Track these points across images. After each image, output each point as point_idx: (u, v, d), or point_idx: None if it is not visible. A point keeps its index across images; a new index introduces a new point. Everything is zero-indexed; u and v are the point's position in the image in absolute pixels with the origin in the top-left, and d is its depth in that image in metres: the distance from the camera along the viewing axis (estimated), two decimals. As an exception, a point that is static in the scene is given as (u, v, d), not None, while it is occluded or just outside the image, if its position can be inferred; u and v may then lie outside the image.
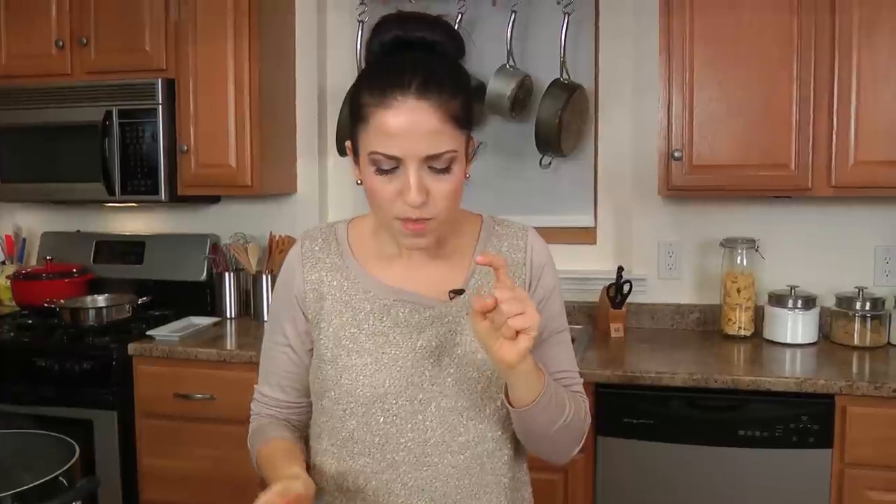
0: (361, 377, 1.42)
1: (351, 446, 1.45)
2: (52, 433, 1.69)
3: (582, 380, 1.55)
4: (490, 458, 1.46)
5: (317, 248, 1.52)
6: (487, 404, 1.44)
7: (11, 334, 3.30)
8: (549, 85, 3.21)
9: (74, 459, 1.56)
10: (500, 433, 1.47)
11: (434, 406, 1.42)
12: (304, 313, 1.51)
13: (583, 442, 1.50)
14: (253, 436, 1.58)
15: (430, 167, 1.31)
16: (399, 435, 1.42)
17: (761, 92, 2.82)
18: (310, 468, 1.49)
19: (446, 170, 1.32)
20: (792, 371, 2.72)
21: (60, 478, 1.50)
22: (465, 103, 1.35)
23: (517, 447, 1.52)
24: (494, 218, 1.57)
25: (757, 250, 3.14)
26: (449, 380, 1.43)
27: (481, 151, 3.38)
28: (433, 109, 1.29)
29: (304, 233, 1.57)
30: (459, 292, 1.45)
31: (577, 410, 1.44)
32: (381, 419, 1.42)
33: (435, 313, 1.44)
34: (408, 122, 1.28)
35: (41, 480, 1.46)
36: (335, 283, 1.48)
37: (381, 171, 1.32)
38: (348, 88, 3.36)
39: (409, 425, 1.42)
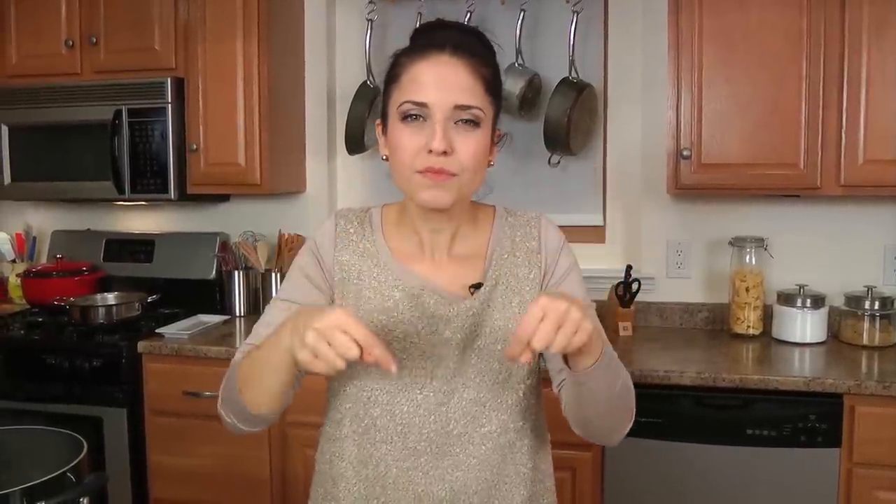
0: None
1: (373, 433, 1.47)
2: (61, 430, 1.70)
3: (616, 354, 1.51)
4: (511, 448, 1.49)
5: (351, 229, 1.53)
6: (509, 395, 1.47)
7: (22, 332, 3.31)
8: (558, 83, 3.21)
9: (82, 455, 1.57)
10: (521, 424, 1.49)
11: (457, 397, 1.45)
12: (329, 286, 1.51)
13: (632, 422, 1.47)
14: (231, 369, 1.46)
15: (456, 123, 1.35)
16: (422, 425, 1.45)
17: (770, 90, 2.82)
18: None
19: (473, 128, 1.36)
20: (800, 370, 2.71)
21: (68, 473, 1.51)
22: (495, 76, 1.42)
23: (539, 437, 1.54)
24: (507, 209, 1.59)
25: (766, 249, 3.14)
26: (471, 371, 1.45)
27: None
28: (465, 66, 1.37)
29: (339, 210, 1.58)
30: (478, 286, 1.48)
31: (627, 379, 1.43)
32: (405, 408, 1.45)
33: (458, 307, 1.45)
34: (440, 72, 1.36)
35: (49, 476, 1.48)
36: (365, 268, 1.50)
37: (408, 123, 1.37)
38: (358, 86, 3.42)
39: (433, 416, 1.45)
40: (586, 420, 1.44)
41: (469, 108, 1.36)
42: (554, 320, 1.16)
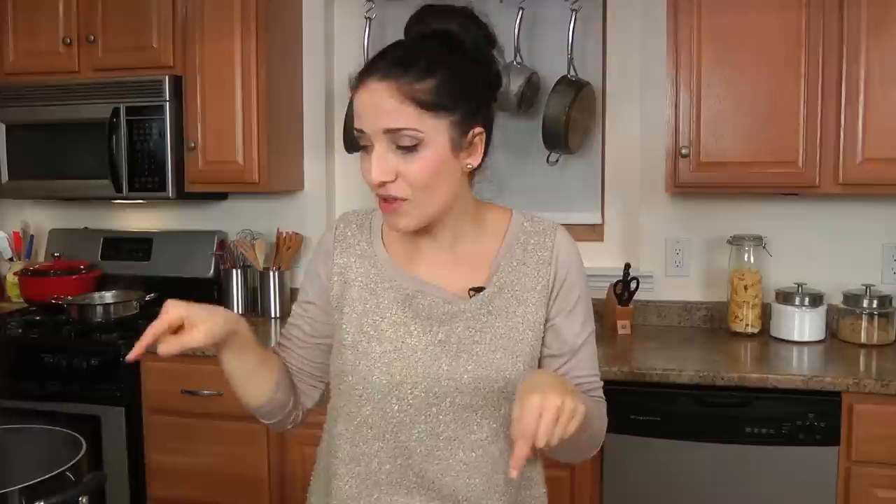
0: (379, 364, 1.43)
1: (365, 431, 1.46)
2: (60, 428, 1.69)
3: (602, 383, 1.55)
4: (502, 457, 1.46)
5: (349, 233, 1.55)
6: (503, 405, 1.44)
7: (19, 331, 3.31)
8: (557, 82, 3.21)
9: (81, 454, 1.56)
10: None
11: (449, 401, 1.42)
12: (328, 294, 1.53)
13: (600, 447, 1.52)
14: None
15: (396, 147, 1.33)
16: (412, 425, 1.43)
17: (769, 89, 2.82)
18: (297, 402, 1.60)
19: (412, 150, 1.33)
20: (799, 368, 2.71)
21: (67, 472, 1.50)
22: (439, 87, 1.33)
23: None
24: (525, 214, 1.56)
25: (764, 247, 3.14)
26: (466, 377, 1.42)
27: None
28: (392, 89, 1.32)
29: (342, 215, 1.60)
30: (479, 290, 1.46)
31: (600, 420, 1.47)
32: (396, 407, 1.43)
33: (455, 309, 1.44)
34: (368, 100, 1.34)
35: (48, 475, 1.47)
36: (362, 269, 1.50)
37: (363, 149, 1.38)
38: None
39: (423, 416, 1.43)
40: (551, 452, 1.44)
41: (399, 130, 1.32)
42: (553, 416, 1.18)
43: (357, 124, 1.36)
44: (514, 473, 1.18)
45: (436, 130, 1.34)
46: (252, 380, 1.48)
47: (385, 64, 1.34)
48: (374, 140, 1.34)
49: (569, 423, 1.20)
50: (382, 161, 1.33)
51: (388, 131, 1.32)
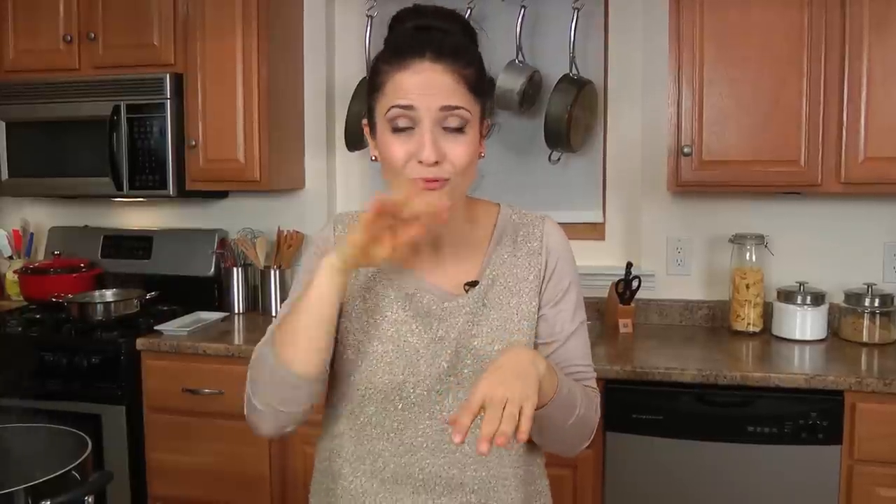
0: (381, 364, 1.43)
1: (370, 430, 1.47)
2: (64, 427, 1.69)
3: (595, 374, 1.56)
4: (507, 450, 1.47)
5: (347, 233, 1.52)
6: None
7: (19, 329, 3.30)
8: (559, 80, 3.20)
9: (87, 453, 1.56)
10: None
11: (451, 396, 1.44)
12: None
13: (591, 438, 1.51)
14: (257, 358, 1.43)
15: (444, 128, 1.34)
16: (417, 422, 1.44)
17: (771, 88, 2.82)
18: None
19: (460, 130, 1.36)
20: (801, 367, 2.71)
21: (73, 472, 1.50)
22: (479, 74, 1.40)
23: (531, 440, 1.52)
24: (512, 207, 1.58)
25: (766, 246, 3.14)
26: (466, 371, 1.44)
27: (490, 145, 3.37)
28: (448, 71, 1.35)
29: (337, 215, 1.59)
30: (474, 284, 1.47)
31: (588, 407, 1.45)
32: (400, 406, 1.44)
33: (452, 305, 1.45)
34: (423, 80, 1.34)
35: (54, 474, 1.46)
36: (361, 269, 1.49)
37: (396, 131, 1.35)
38: (357, 82, 3.41)
39: (427, 413, 1.44)
40: (538, 436, 1.47)
41: (455, 108, 1.34)
42: (495, 414, 1.19)
43: (403, 101, 1.34)
44: (457, 439, 1.19)
45: (475, 115, 1.39)
46: (327, 334, 1.36)
47: (435, 47, 1.36)
48: (423, 118, 1.33)
49: (516, 416, 1.19)
50: (435, 140, 1.34)
51: (445, 108, 1.34)
